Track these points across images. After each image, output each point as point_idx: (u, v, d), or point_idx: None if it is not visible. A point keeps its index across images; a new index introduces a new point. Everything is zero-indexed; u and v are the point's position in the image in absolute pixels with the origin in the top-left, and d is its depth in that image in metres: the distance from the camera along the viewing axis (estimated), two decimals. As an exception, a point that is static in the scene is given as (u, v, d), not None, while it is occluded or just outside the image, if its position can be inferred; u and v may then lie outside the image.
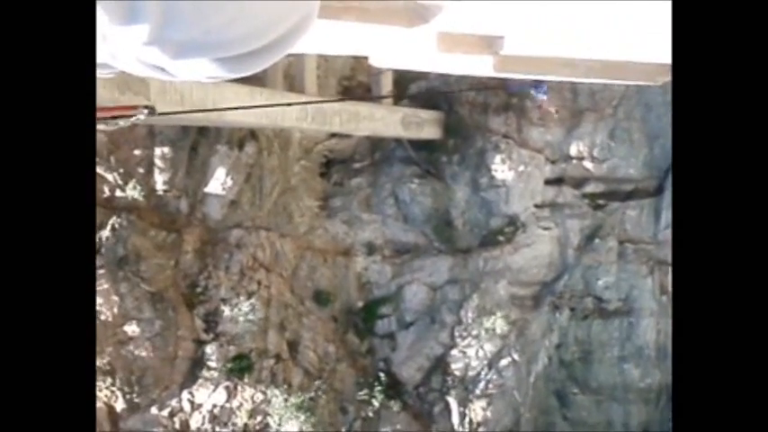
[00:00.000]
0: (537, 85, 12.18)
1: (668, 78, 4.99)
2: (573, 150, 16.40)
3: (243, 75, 1.34)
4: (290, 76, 13.94)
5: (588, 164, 16.45)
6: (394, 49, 4.61)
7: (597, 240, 16.36)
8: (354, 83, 16.11)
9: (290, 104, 11.85)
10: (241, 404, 14.99)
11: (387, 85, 15.74)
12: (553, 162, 16.37)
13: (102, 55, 1.26)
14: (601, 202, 16.49)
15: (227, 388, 14.91)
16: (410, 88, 16.03)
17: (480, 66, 4.46)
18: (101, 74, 1.36)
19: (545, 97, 12.70)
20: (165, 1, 1.16)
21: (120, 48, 1.22)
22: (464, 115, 16.04)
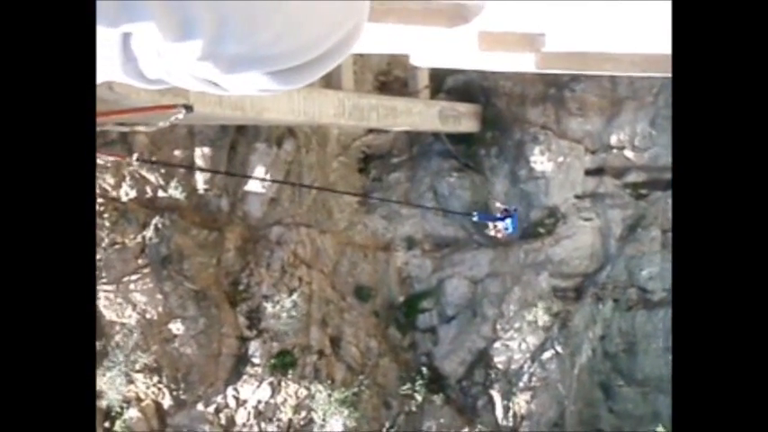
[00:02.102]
0: (505, 215, 12.05)
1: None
2: (613, 140, 16.22)
3: (295, 87, 1.35)
4: (327, 73, 13.93)
5: (629, 153, 16.25)
6: (435, 48, 4.60)
7: (640, 230, 16.16)
8: (391, 78, 16.10)
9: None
10: (285, 400, 15.12)
11: (423, 80, 15.71)
12: (593, 152, 16.21)
13: (157, 71, 1.28)
14: (643, 191, 16.28)
15: (271, 384, 15.04)
16: (447, 82, 15.98)
17: (522, 63, 4.43)
18: (155, 87, 1.38)
19: (510, 229, 12.51)
20: (217, 16, 1.17)
21: (174, 64, 1.24)
22: (502, 107, 15.94)
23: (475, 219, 13.34)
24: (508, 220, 11.88)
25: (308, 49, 1.24)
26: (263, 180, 14.73)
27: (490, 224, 12.33)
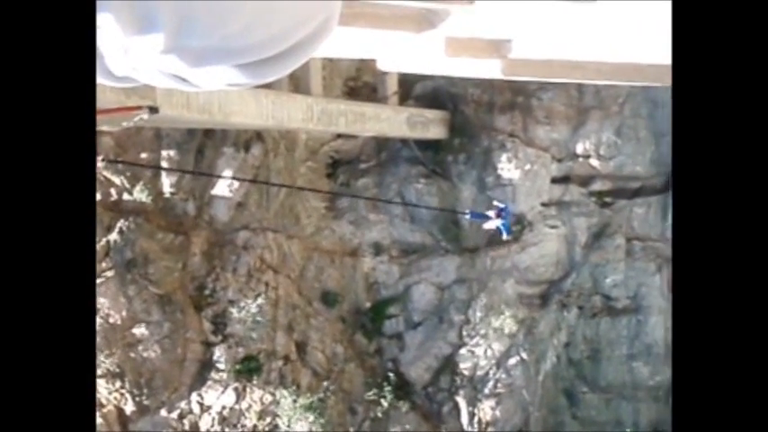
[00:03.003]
0: (498, 213, 12.45)
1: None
2: (579, 148, 16.37)
3: (264, 81, 1.33)
4: (296, 78, 13.94)
5: (595, 162, 16.42)
6: (402, 53, 4.61)
7: (605, 238, 16.33)
8: (360, 83, 16.10)
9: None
10: (250, 405, 15.01)
11: (392, 86, 15.74)
12: (559, 160, 16.35)
13: (124, 68, 1.25)
14: (608, 199, 16.46)
15: (235, 389, 14.93)
16: (415, 89, 16.02)
17: (488, 69, 4.46)
18: (123, 86, 1.36)
19: (504, 233, 12.84)
20: (180, 8, 1.15)
21: (141, 60, 1.22)
22: (470, 115, 16.03)
23: (467, 217, 13.62)
24: (499, 221, 12.20)
25: (277, 42, 1.22)
26: (232, 178, 14.63)
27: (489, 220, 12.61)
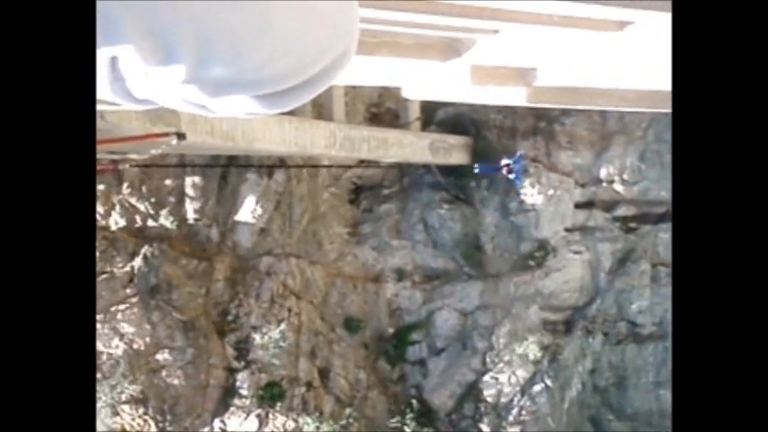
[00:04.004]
0: (509, 169, 13.11)
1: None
2: (603, 173, 16.29)
3: (282, 110, 1.34)
4: (319, 104, 14.04)
5: (618, 187, 16.32)
6: (427, 81, 4.63)
7: (629, 264, 16.18)
8: (383, 109, 16.17)
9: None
10: (273, 432, 14.96)
11: (415, 112, 15.79)
12: (583, 185, 16.27)
13: (145, 91, 1.26)
14: (632, 225, 16.33)
15: (258, 416, 14.90)
16: (438, 114, 16.05)
17: (514, 97, 4.47)
18: (143, 108, 1.37)
19: (518, 181, 13.58)
20: (201, 40, 1.15)
21: (162, 85, 1.23)
22: (492, 140, 16.02)
23: (476, 171, 14.75)
24: (512, 176, 12.99)
25: (296, 74, 1.23)
26: (259, 166, 14.76)
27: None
